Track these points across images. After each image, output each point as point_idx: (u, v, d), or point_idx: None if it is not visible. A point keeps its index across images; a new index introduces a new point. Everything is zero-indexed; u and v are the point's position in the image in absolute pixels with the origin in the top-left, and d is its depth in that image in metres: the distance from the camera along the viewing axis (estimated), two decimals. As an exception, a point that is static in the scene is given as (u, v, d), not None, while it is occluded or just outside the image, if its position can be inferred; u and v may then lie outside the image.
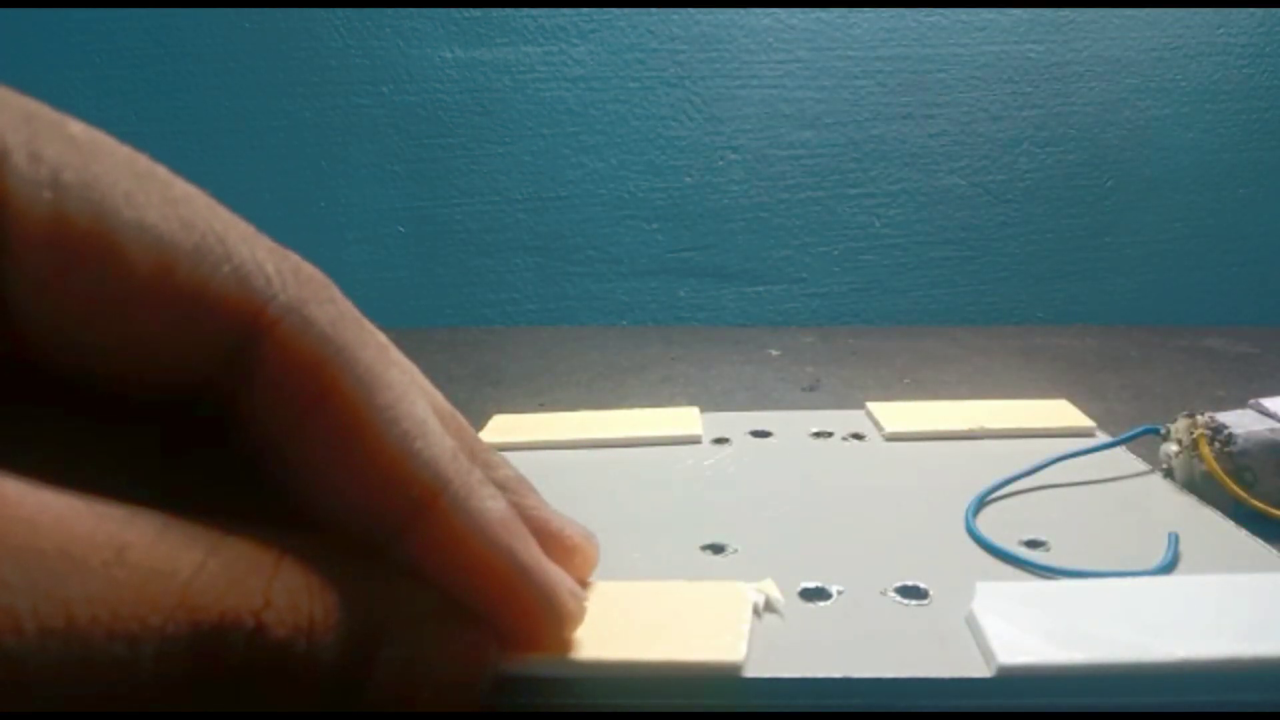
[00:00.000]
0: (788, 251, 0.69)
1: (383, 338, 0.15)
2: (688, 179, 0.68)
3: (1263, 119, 0.66)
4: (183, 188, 0.14)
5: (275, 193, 0.70)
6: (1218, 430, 0.28)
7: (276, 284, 0.14)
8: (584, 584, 0.18)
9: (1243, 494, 0.27)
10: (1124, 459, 0.29)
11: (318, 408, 0.14)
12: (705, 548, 0.23)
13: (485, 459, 0.17)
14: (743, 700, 0.16)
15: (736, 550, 0.23)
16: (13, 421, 0.13)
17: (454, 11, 0.69)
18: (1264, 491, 0.27)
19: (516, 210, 0.70)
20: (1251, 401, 0.30)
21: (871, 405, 0.34)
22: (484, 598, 0.15)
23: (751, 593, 0.19)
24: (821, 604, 0.20)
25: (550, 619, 0.16)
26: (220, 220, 0.14)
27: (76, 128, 0.13)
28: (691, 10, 0.67)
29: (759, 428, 0.32)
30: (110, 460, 0.13)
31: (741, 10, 0.66)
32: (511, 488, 0.17)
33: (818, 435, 0.32)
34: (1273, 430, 0.28)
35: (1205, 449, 0.28)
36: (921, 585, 0.20)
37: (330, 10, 0.69)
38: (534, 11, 0.68)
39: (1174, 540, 0.22)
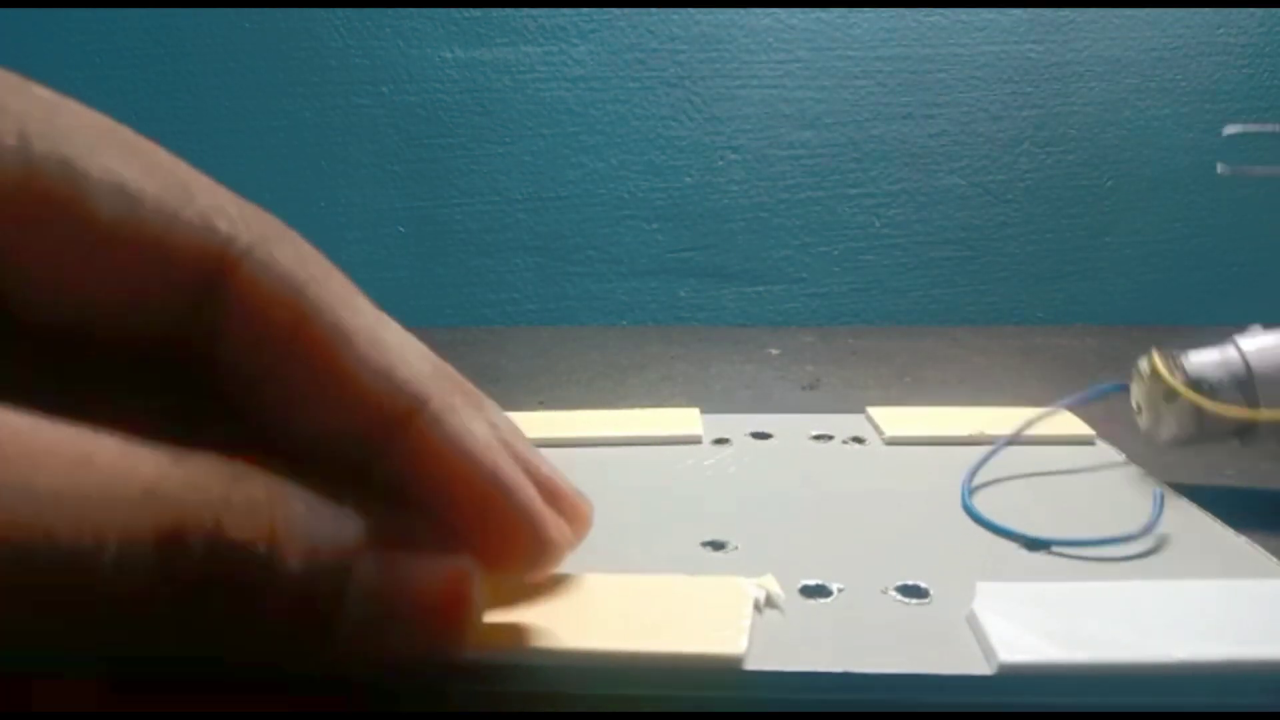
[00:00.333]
0: (788, 251, 0.69)
1: (348, 279, 0.15)
2: (688, 179, 0.68)
3: (1263, 119, 0.66)
4: (146, 143, 0.14)
5: (275, 193, 0.70)
6: (1173, 358, 0.28)
7: (240, 225, 0.14)
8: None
9: (1202, 400, 0.26)
10: (1126, 468, 0.29)
11: (291, 338, 0.14)
12: (705, 544, 0.23)
13: (477, 399, 0.16)
14: (743, 693, 0.16)
15: (737, 547, 0.23)
16: None
17: (454, 11, 0.69)
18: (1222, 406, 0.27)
19: (516, 210, 0.70)
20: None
21: (872, 410, 0.34)
22: (463, 515, 0.15)
23: (752, 588, 0.19)
24: (822, 601, 0.20)
25: (533, 543, 0.15)
26: (182, 170, 0.14)
27: (42, 89, 0.14)
28: (691, 10, 0.67)
29: (759, 429, 0.32)
30: (83, 409, 0.13)
31: (741, 10, 0.67)
32: (504, 430, 0.16)
33: (818, 438, 0.32)
34: (1222, 350, 0.27)
35: (1158, 362, 0.27)
36: (922, 585, 0.20)
37: (330, 10, 0.69)
38: (534, 11, 0.68)
39: (1159, 498, 0.23)
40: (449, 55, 0.69)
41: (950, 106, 0.67)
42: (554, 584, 0.19)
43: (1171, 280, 0.68)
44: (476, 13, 0.69)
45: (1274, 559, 0.22)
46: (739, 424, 0.33)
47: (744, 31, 0.67)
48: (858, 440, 0.32)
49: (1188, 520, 0.24)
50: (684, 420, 0.33)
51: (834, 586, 0.20)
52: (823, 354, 0.50)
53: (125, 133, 0.14)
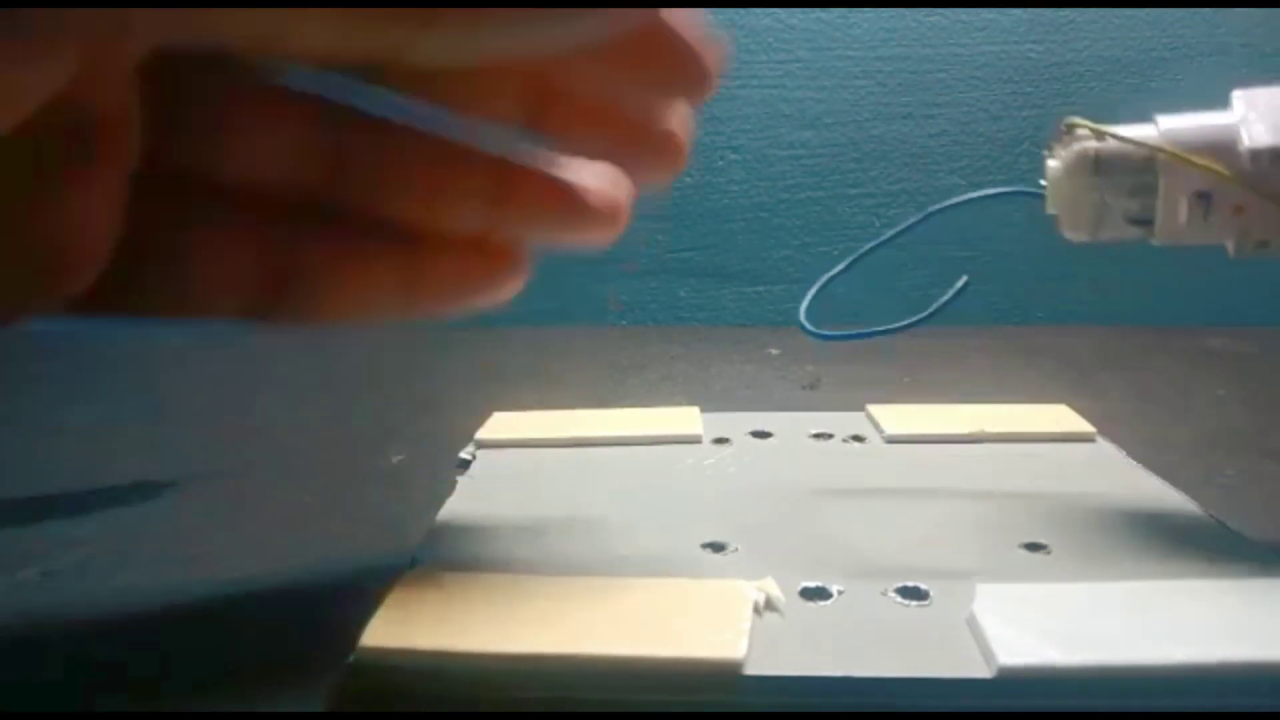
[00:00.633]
0: (788, 251, 0.69)
1: None
2: (688, 179, 0.68)
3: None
4: None
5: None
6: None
7: None
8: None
9: (1104, 127, 0.25)
10: (1126, 466, 0.29)
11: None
12: (705, 546, 0.23)
13: None
14: (743, 698, 0.16)
15: (736, 549, 0.23)
16: None
17: (454, 11, 0.68)
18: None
19: (516, 210, 0.70)
20: None
21: (872, 408, 0.34)
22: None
23: (752, 591, 0.19)
24: (822, 603, 0.20)
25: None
26: None
27: None
28: (690, 10, 0.67)
29: (759, 428, 0.32)
30: None
31: (741, 10, 0.66)
32: None
33: (818, 436, 0.32)
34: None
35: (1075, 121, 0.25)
36: (922, 586, 0.20)
37: (330, 9, 0.69)
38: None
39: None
40: (449, 55, 0.69)
41: (950, 106, 0.67)
42: (554, 588, 0.19)
43: (1171, 280, 0.68)
44: (476, 12, 0.68)
45: (1274, 559, 0.22)
46: (739, 423, 0.33)
47: (744, 31, 0.67)
48: (858, 438, 0.32)
49: (1188, 520, 0.24)
50: (684, 419, 0.33)
51: (834, 589, 0.20)
52: (823, 354, 0.50)
53: None
